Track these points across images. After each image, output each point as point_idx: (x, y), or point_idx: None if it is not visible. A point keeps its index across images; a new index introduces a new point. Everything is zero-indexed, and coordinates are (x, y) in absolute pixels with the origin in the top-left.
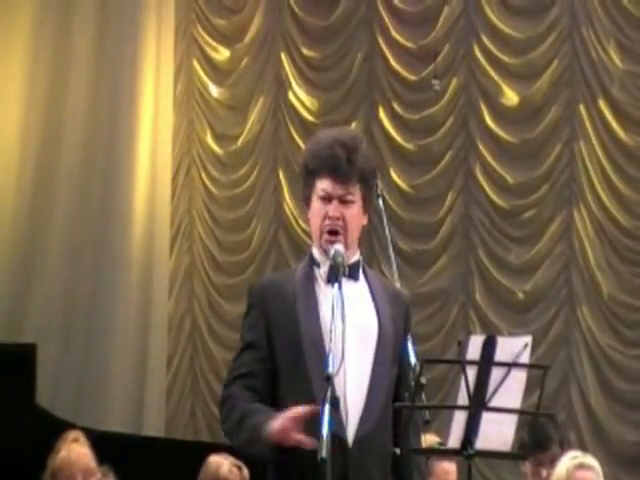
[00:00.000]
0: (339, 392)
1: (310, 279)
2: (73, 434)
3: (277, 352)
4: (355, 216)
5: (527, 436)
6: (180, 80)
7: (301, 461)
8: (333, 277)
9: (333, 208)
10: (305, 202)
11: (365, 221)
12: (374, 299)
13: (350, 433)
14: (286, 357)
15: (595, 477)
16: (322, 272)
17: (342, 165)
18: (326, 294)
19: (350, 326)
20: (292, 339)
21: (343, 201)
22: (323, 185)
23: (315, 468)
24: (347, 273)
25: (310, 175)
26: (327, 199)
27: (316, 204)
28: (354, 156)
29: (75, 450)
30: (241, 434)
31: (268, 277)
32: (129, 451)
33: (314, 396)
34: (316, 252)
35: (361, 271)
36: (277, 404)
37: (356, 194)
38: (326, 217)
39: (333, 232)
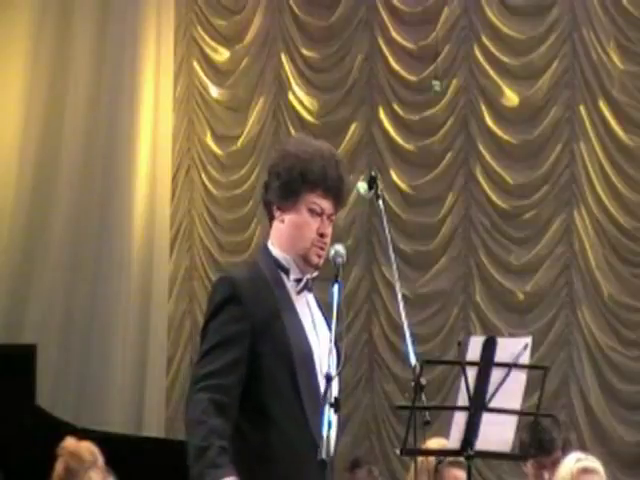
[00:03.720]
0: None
1: (282, 286)
2: (88, 455)
3: (262, 359)
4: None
5: (530, 438)
6: (180, 81)
7: (288, 466)
8: (334, 277)
9: (327, 226)
10: (282, 204)
11: None
12: (322, 312)
13: (332, 449)
14: (274, 367)
15: None
16: (291, 280)
17: (344, 188)
18: (301, 304)
19: (321, 336)
20: (282, 351)
21: (329, 218)
22: (319, 200)
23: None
24: (310, 285)
25: (305, 185)
26: (318, 214)
27: (305, 215)
28: (344, 178)
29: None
30: (199, 466)
31: (239, 273)
32: (129, 451)
33: (305, 411)
34: (282, 257)
35: None
36: (260, 410)
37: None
38: (319, 233)
39: (321, 247)
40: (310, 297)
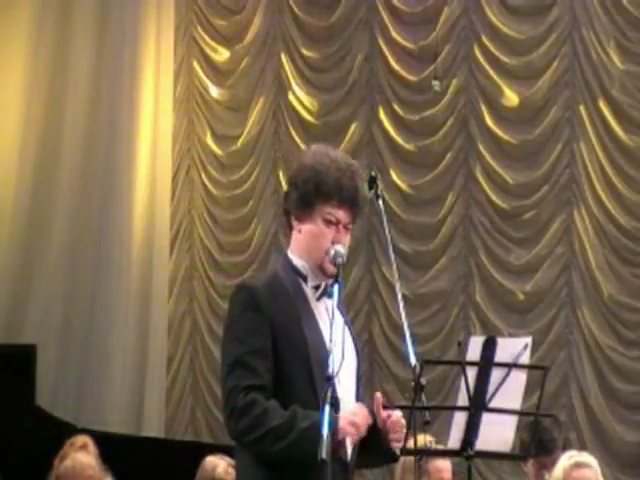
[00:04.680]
0: (343, 407)
1: (301, 293)
2: (81, 440)
3: (284, 365)
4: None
5: (531, 438)
6: (180, 81)
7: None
8: (334, 277)
9: (343, 236)
10: (299, 215)
11: None
12: (344, 317)
13: (349, 451)
14: (293, 373)
15: (592, 474)
16: (310, 287)
17: (359, 198)
18: (320, 310)
19: (339, 343)
20: (300, 357)
21: (346, 228)
22: (334, 211)
23: (314, 470)
24: (330, 292)
25: (320, 196)
26: (334, 224)
27: (321, 226)
28: (360, 188)
29: (80, 460)
30: (290, 435)
31: (258, 281)
32: (129, 451)
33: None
34: (300, 265)
35: None
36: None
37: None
38: (335, 243)
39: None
40: (330, 303)
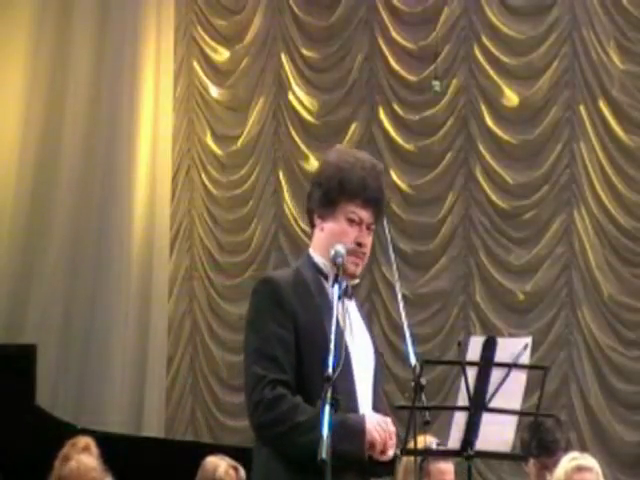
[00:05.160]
0: (360, 406)
1: (323, 292)
2: (84, 441)
3: (304, 363)
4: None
5: (533, 438)
6: (180, 81)
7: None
8: (334, 277)
9: (366, 235)
10: (322, 213)
11: None
12: (364, 320)
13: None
14: (315, 370)
15: (594, 478)
16: (331, 285)
17: (382, 198)
18: (339, 310)
19: (356, 345)
20: (322, 356)
21: (369, 228)
22: (358, 210)
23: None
24: (350, 293)
25: (344, 194)
26: (357, 224)
27: (343, 224)
28: (384, 189)
29: (84, 463)
30: (314, 432)
31: (282, 277)
32: (129, 451)
33: (340, 408)
34: (322, 263)
35: None
36: None
37: None
38: (357, 242)
39: (359, 256)
40: (350, 304)
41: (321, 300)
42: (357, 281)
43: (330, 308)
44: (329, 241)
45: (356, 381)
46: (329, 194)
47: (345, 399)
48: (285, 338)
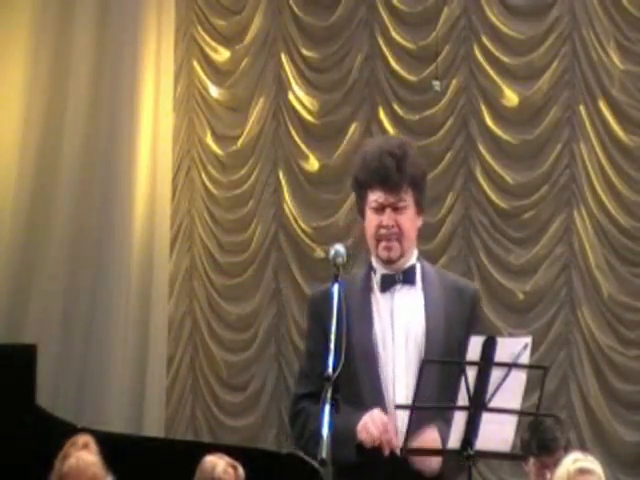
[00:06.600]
0: (388, 404)
1: (367, 288)
2: (83, 439)
3: (350, 364)
4: (409, 221)
5: (533, 438)
6: (180, 81)
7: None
8: (333, 277)
9: (387, 217)
10: (360, 214)
11: (420, 222)
12: (426, 305)
13: (400, 442)
14: (360, 368)
15: None
16: (378, 278)
17: (391, 175)
18: (380, 303)
19: (399, 335)
20: (345, 352)
21: (396, 208)
22: (375, 196)
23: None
24: (402, 279)
25: (361, 188)
26: (380, 209)
27: (370, 215)
28: (403, 163)
29: (84, 459)
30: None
31: (321, 289)
32: (129, 451)
33: (365, 407)
34: (373, 261)
35: (419, 274)
36: None
37: (408, 199)
38: (380, 226)
39: (387, 239)
40: (398, 295)
41: (363, 295)
42: (413, 261)
43: (367, 303)
44: (367, 235)
45: (385, 378)
46: (356, 193)
47: (371, 398)
48: (317, 349)
